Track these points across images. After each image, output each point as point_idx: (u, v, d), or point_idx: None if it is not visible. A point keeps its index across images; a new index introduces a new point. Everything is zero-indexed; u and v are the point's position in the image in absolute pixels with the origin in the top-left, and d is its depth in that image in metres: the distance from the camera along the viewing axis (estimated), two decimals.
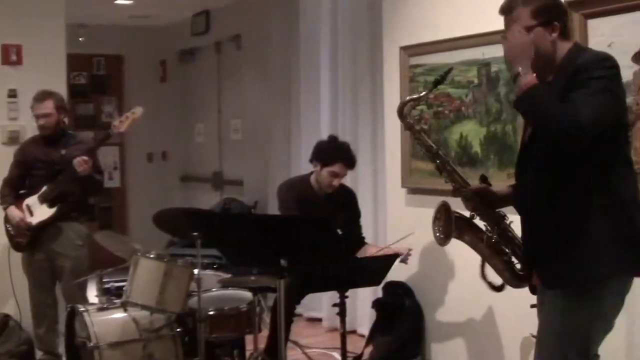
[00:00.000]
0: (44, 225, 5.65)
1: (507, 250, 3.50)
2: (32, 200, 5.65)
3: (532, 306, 3.80)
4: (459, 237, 3.68)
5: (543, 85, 2.99)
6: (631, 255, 3.00)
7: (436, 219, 3.79)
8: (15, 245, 5.81)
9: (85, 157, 5.42)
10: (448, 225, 3.64)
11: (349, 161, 5.35)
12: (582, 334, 3.07)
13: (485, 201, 3.57)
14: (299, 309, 7.12)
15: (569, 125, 2.84)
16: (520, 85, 2.99)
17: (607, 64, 2.97)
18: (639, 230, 3.01)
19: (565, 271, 3.05)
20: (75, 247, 5.74)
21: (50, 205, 5.61)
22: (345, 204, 5.52)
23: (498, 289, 3.71)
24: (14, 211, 5.70)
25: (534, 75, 2.98)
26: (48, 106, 5.68)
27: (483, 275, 3.66)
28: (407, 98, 3.99)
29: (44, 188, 5.60)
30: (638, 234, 3.01)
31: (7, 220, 5.78)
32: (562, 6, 3.12)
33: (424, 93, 3.81)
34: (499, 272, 3.57)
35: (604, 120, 2.90)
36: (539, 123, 3.00)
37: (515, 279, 3.53)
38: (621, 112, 3.07)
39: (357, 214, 5.67)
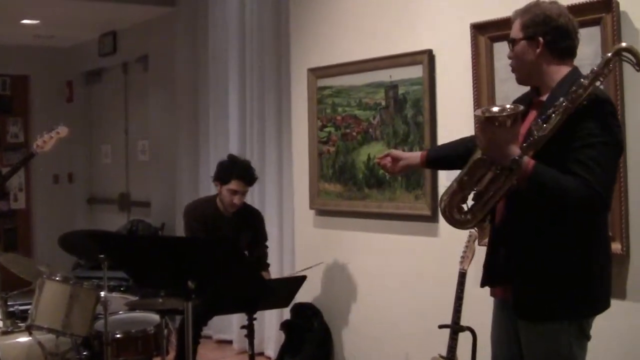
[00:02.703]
0: None
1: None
2: None
3: (440, 327, 3.88)
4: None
5: (540, 165, 2.86)
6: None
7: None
8: None
9: None
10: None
11: (246, 178, 5.38)
12: None
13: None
14: (208, 331, 7.09)
15: (586, 199, 2.80)
16: (520, 172, 2.87)
17: (614, 111, 2.95)
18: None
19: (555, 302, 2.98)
20: None
21: None
22: (250, 225, 5.53)
23: None
24: None
25: (527, 158, 2.86)
26: None
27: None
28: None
29: None
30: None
31: None
32: (553, 23, 3.02)
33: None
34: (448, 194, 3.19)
35: (614, 179, 2.92)
36: (555, 203, 2.88)
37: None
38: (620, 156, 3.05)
39: (262, 236, 5.70)
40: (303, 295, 5.50)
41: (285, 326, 5.94)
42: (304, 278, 4.97)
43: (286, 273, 6.33)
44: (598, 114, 2.86)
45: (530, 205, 2.94)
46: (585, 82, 2.85)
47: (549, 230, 2.94)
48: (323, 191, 5.76)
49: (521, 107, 2.92)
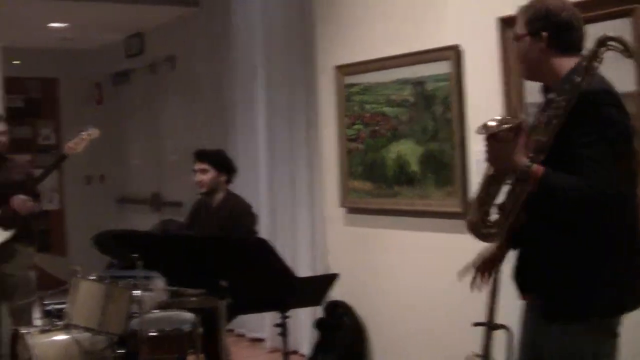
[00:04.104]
0: None
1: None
2: None
3: (475, 324, 3.87)
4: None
5: (548, 171, 2.85)
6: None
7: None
8: None
9: (22, 196, 5.44)
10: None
11: (195, 154, 5.53)
12: None
13: None
14: (241, 329, 7.13)
15: (593, 202, 2.79)
16: (530, 181, 2.87)
17: (611, 101, 2.90)
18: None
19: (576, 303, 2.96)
20: (25, 268, 5.73)
21: (5, 228, 5.58)
22: (234, 218, 5.44)
23: None
24: None
25: (535, 165, 2.86)
26: (4, 125, 5.75)
27: None
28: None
29: None
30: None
31: None
32: (555, 18, 3.01)
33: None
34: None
35: (623, 171, 2.86)
36: (568, 207, 2.87)
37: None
38: (632, 149, 2.97)
39: (247, 231, 5.46)
40: (336, 293, 5.52)
41: (318, 324, 5.96)
42: (335, 276, 4.97)
43: (319, 271, 6.34)
44: (590, 109, 2.83)
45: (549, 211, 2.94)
46: (577, 79, 2.84)
47: (571, 232, 2.91)
48: (353, 189, 5.76)
49: (522, 117, 2.98)
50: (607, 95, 2.89)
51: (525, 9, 3.09)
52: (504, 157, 2.90)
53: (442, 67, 5.04)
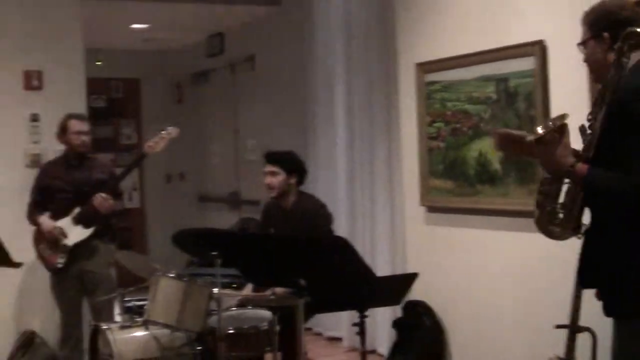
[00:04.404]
0: (79, 245, 5.70)
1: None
2: (65, 222, 5.70)
3: (558, 327, 3.77)
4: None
5: (591, 170, 2.92)
6: None
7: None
8: (52, 267, 5.79)
9: (104, 195, 5.52)
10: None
11: (265, 156, 5.43)
12: None
13: None
14: (318, 328, 7.11)
15: (634, 195, 2.82)
16: (576, 181, 2.98)
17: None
18: None
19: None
20: (106, 265, 5.82)
21: (86, 226, 5.66)
22: (307, 219, 5.33)
23: None
24: (46, 220, 5.74)
25: (580, 164, 2.93)
26: (88, 125, 5.85)
27: None
28: None
29: (77, 210, 5.67)
30: None
31: (37, 241, 5.81)
32: (615, 17, 3.06)
33: None
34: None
35: None
36: (615, 205, 2.93)
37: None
38: None
39: (317, 230, 5.35)
40: (415, 293, 5.46)
41: (396, 324, 5.90)
42: (415, 275, 4.91)
43: (398, 270, 6.29)
44: (625, 105, 2.86)
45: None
46: (611, 75, 2.91)
47: (627, 227, 2.92)
48: (433, 188, 5.70)
49: (567, 116, 2.99)
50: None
51: (586, 14, 3.18)
52: (553, 159, 2.99)
53: (526, 63, 4.93)
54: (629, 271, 2.92)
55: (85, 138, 5.82)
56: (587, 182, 2.91)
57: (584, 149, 2.98)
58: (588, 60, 3.17)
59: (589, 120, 3.00)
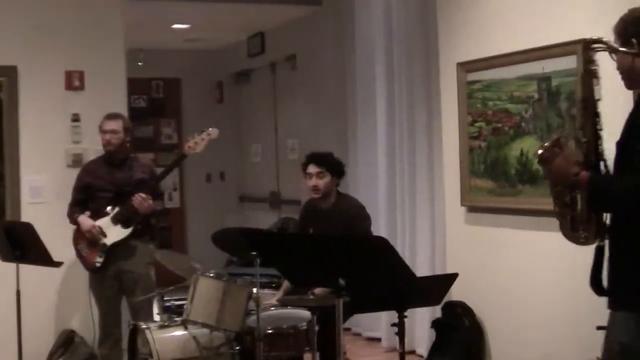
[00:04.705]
0: (117, 245, 5.73)
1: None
2: (104, 222, 5.71)
3: (598, 328, 3.73)
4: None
5: (593, 176, 3.06)
6: None
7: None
8: (91, 267, 5.81)
9: (143, 195, 5.53)
10: None
11: (310, 157, 5.44)
12: None
13: None
14: (357, 328, 7.09)
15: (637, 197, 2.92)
16: (582, 189, 3.09)
17: None
18: None
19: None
20: (145, 265, 5.81)
21: (125, 226, 5.68)
22: (345, 219, 5.34)
23: None
24: (86, 219, 5.76)
25: (583, 172, 3.05)
26: (117, 124, 5.81)
27: None
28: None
29: (117, 209, 5.68)
30: None
31: (77, 240, 5.85)
32: None
33: None
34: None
35: None
36: (619, 207, 3.06)
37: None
38: None
39: (352, 231, 5.32)
40: (455, 293, 5.42)
41: (436, 324, 5.87)
42: (455, 276, 4.87)
43: (438, 270, 6.25)
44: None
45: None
46: None
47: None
48: (474, 187, 5.65)
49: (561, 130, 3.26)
50: None
51: (617, 24, 3.21)
52: (558, 172, 3.13)
53: (568, 62, 4.86)
54: (633, 266, 3.04)
55: (110, 137, 5.78)
56: (592, 188, 3.02)
57: (585, 157, 3.10)
58: (619, 67, 3.20)
59: (580, 129, 3.14)
